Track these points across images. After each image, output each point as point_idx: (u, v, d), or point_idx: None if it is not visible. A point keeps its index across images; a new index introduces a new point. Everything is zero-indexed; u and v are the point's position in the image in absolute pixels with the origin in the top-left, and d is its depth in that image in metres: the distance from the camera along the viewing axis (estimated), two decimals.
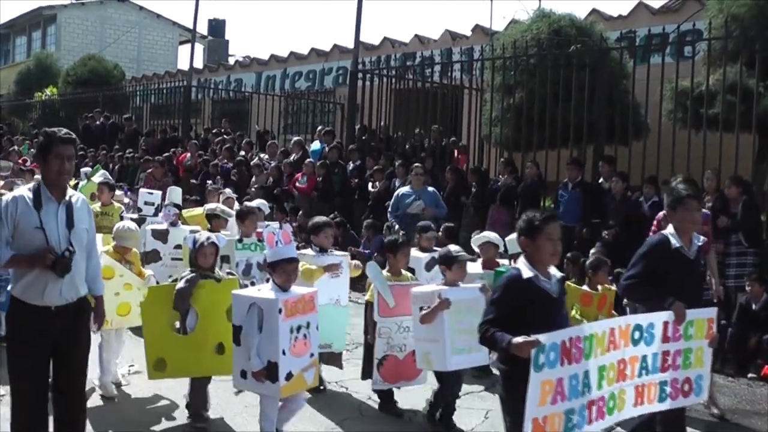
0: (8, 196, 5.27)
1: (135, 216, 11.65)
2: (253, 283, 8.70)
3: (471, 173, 14.83)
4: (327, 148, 17.21)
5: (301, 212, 15.43)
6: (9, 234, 5.15)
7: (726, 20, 12.80)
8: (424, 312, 6.67)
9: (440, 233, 10.54)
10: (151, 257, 10.36)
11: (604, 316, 7.78)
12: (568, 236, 12.50)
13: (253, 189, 16.84)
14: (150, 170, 17.94)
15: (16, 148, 23.23)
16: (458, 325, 6.60)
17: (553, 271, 4.92)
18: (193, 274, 6.67)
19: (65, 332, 5.32)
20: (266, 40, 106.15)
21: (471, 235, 13.12)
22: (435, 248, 9.06)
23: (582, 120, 13.68)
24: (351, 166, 16.63)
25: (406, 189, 13.42)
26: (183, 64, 38.52)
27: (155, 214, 11.90)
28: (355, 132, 18.62)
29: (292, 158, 17.66)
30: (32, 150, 24.39)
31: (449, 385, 7.06)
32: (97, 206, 11.73)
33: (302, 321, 6.00)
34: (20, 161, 18.76)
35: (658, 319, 5.30)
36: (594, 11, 19.23)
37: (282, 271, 6.03)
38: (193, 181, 18.52)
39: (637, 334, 5.13)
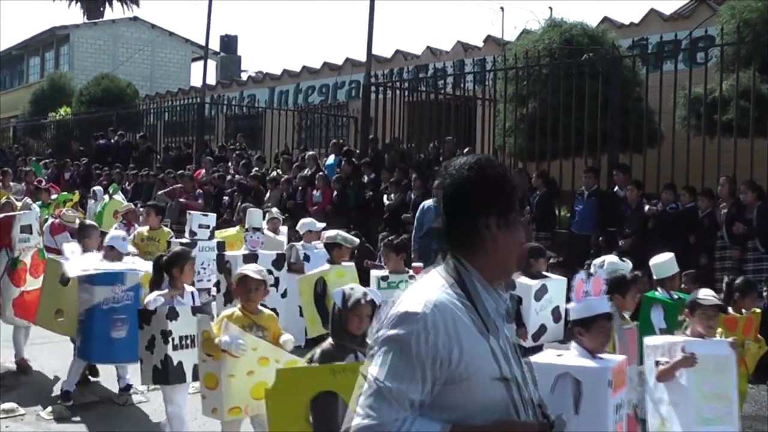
0: (419, 305, 2.54)
1: (187, 240, 10.82)
2: None
3: None
4: (342, 162, 17.22)
5: None
6: (425, 392, 2.50)
7: (738, 26, 12.78)
8: (662, 367, 5.62)
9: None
10: None
11: (750, 340, 7.12)
12: (584, 245, 12.49)
13: (267, 204, 16.85)
14: (179, 186, 17.78)
15: (30, 168, 23.29)
16: (704, 388, 5.58)
17: None
18: (339, 359, 4.74)
19: None
20: (278, 55, 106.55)
21: None
22: (545, 273, 8.29)
23: (596, 129, 13.65)
24: (366, 179, 16.63)
25: (430, 203, 13.06)
26: (196, 81, 38.52)
27: (210, 238, 11.09)
28: (368, 145, 18.65)
29: (306, 172, 17.65)
30: (44, 170, 24.53)
31: None
32: (144, 230, 11.43)
33: (620, 398, 4.44)
34: (36, 182, 18.86)
35: None
36: (605, 19, 19.20)
37: (600, 330, 4.55)
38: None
39: None
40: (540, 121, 14.47)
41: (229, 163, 20.61)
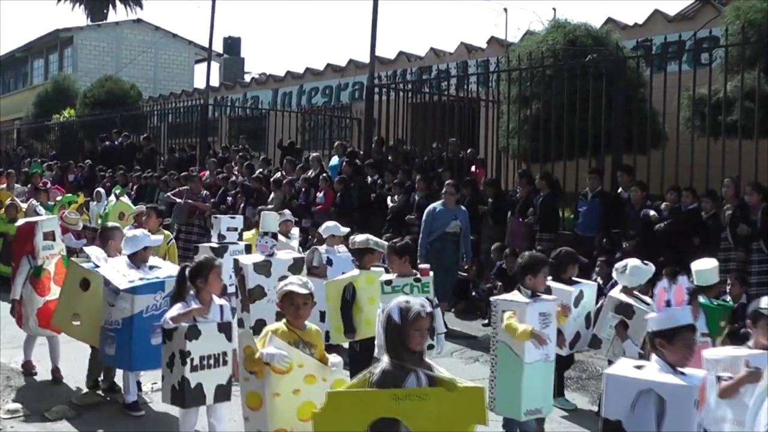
0: None
1: (215, 244, 10.39)
2: None
3: (485, 186, 14.74)
4: (345, 163, 17.21)
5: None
6: None
7: (743, 26, 12.75)
8: (725, 383, 5.00)
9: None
10: (256, 295, 8.93)
11: None
12: (588, 246, 12.45)
13: (270, 206, 16.81)
14: (185, 188, 17.56)
15: (36, 170, 23.28)
16: None
17: None
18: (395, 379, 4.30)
19: None
20: (282, 57, 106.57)
21: (491, 247, 13.18)
22: (576, 279, 8.04)
23: (599, 130, 13.63)
24: (369, 180, 16.62)
25: (440, 206, 12.61)
26: (199, 83, 38.71)
27: (239, 240, 10.65)
28: (372, 146, 18.64)
29: (309, 174, 17.62)
30: (48, 172, 24.54)
31: None
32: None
33: (701, 417, 4.24)
34: (42, 183, 18.88)
35: None
36: (609, 20, 19.18)
37: (683, 343, 4.27)
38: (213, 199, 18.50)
39: None
40: (543, 123, 14.45)
41: (233, 164, 20.59)
